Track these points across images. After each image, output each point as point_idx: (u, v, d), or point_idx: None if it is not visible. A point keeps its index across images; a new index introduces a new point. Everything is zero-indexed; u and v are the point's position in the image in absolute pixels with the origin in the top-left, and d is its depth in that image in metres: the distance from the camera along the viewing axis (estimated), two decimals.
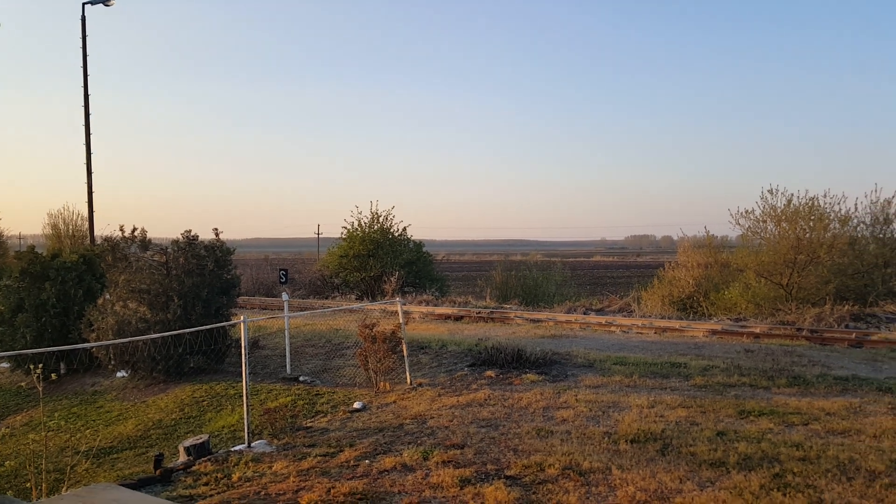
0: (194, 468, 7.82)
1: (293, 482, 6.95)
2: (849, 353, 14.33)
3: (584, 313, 23.30)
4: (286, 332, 14.70)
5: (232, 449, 8.65)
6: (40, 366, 7.58)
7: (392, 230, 35.53)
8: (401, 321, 12.57)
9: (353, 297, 32.56)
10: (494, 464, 7.22)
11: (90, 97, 25.04)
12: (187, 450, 8.25)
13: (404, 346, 12.29)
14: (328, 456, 7.92)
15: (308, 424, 9.80)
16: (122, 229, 15.51)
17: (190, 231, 15.43)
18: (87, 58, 25.12)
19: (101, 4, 25.00)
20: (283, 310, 15.10)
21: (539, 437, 8.21)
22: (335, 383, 13.07)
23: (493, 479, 6.73)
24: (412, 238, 36.42)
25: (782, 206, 24.51)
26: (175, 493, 7.00)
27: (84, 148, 24.80)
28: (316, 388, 12.60)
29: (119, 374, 15.50)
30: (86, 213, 25.96)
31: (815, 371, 12.12)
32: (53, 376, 11.46)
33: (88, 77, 25.08)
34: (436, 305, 26.59)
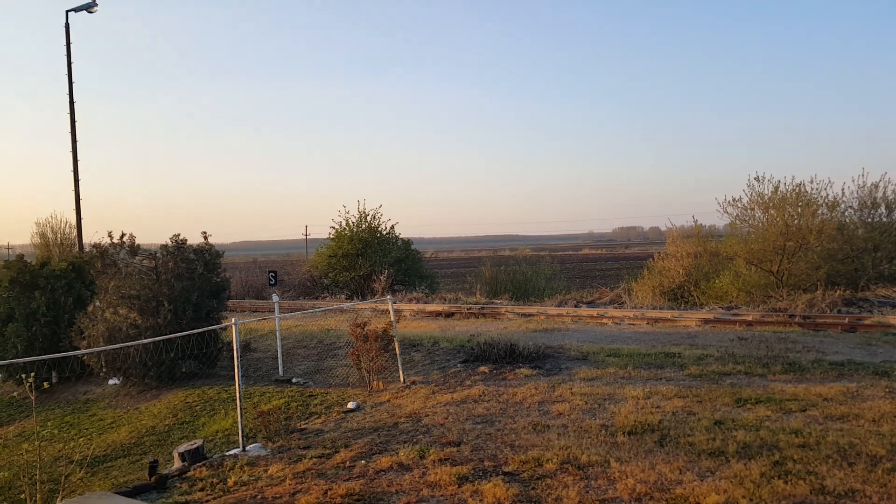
0: (189, 474, 7.75)
1: (289, 485, 6.89)
2: (843, 338, 14.35)
3: (576, 306, 23.26)
4: (277, 334, 14.63)
5: (227, 453, 8.58)
6: (32, 375, 7.49)
7: (380, 229, 35.47)
8: (392, 319, 12.51)
9: (343, 296, 32.46)
10: (492, 460, 7.18)
11: (76, 103, 24.81)
12: (182, 455, 8.17)
13: (396, 344, 12.23)
14: (324, 457, 7.86)
15: (302, 426, 9.73)
16: (110, 236, 15.39)
17: (178, 235, 15.33)
18: (72, 64, 24.88)
19: (84, 11, 24.79)
20: (273, 312, 15.00)
21: (535, 431, 8.17)
22: (328, 384, 13.00)
23: (491, 475, 6.68)
24: (400, 236, 36.39)
25: (769, 193, 24.52)
26: (171, 500, 6.93)
27: (71, 155, 24.57)
28: (309, 390, 12.52)
29: (111, 382, 15.39)
30: (74, 221, 25.68)
31: (810, 357, 12.13)
32: (45, 385, 11.28)
33: (73, 83, 24.84)
34: (426, 303, 26.52)
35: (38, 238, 39.48)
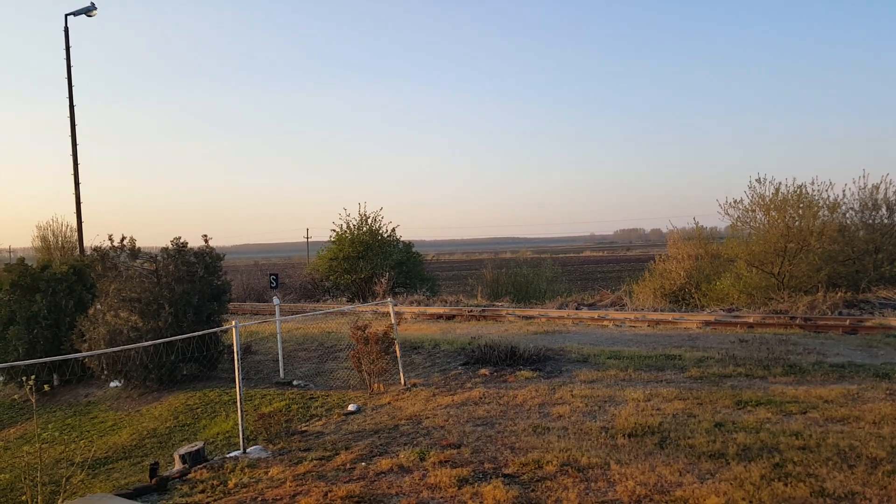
0: (190, 476, 7.75)
1: (290, 487, 6.89)
2: (844, 340, 14.34)
3: (577, 308, 23.25)
4: (278, 337, 14.63)
5: (227, 455, 8.58)
6: (33, 378, 7.51)
7: (381, 231, 35.47)
8: (393, 322, 12.51)
9: (344, 299, 32.50)
10: (492, 462, 7.18)
11: (76, 107, 24.86)
12: (182, 458, 8.18)
13: (397, 346, 12.23)
14: (324, 459, 7.86)
15: (303, 428, 9.73)
16: (111, 239, 15.42)
17: (179, 238, 15.35)
18: (72, 68, 24.95)
19: (83, 15, 24.86)
20: (274, 314, 15.01)
21: (536, 433, 8.17)
22: (329, 386, 13.01)
23: (490, 477, 6.68)
24: (401, 239, 36.40)
25: (770, 195, 24.55)
26: (171, 502, 6.94)
27: (71, 158, 24.63)
28: (310, 392, 12.52)
29: (112, 384, 15.41)
30: (74, 224, 25.76)
31: (811, 359, 12.12)
32: (47, 388, 11.39)
33: (73, 87, 24.90)
34: (427, 305, 26.52)
35: (39, 241, 39.55)
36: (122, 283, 14.68)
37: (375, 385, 11.83)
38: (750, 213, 25.27)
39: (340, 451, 8.15)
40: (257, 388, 13.18)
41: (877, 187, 24.14)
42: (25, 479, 7.04)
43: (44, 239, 39.32)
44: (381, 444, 8.31)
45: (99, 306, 15.20)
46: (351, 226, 35.52)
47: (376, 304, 19.56)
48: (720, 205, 25.82)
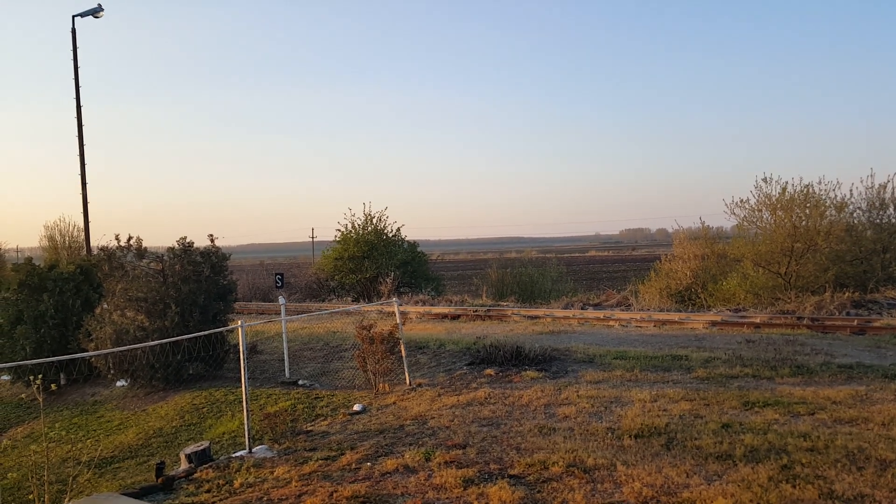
0: (196, 475, 7.76)
1: (295, 487, 6.88)
2: (851, 341, 14.28)
3: (582, 308, 23.22)
4: (284, 336, 14.63)
5: (233, 455, 8.58)
6: (40, 377, 7.52)
7: (386, 231, 35.51)
8: (398, 321, 12.51)
9: (350, 299, 32.50)
10: (497, 463, 7.16)
11: (83, 108, 24.91)
12: (188, 457, 8.18)
13: (402, 346, 12.22)
14: (329, 459, 7.86)
15: (308, 428, 9.73)
16: (117, 238, 15.45)
17: (185, 238, 15.38)
18: (79, 69, 25.00)
19: (91, 16, 24.90)
20: (279, 314, 15.01)
21: (541, 434, 8.15)
22: (334, 386, 13.01)
23: (496, 478, 6.66)
24: (406, 238, 36.40)
25: (777, 195, 24.44)
26: (177, 501, 6.94)
27: (78, 159, 24.68)
28: (315, 392, 12.52)
29: (119, 384, 15.44)
30: (81, 224, 25.86)
31: (819, 359, 12.07)
32: (53, 387, 11.41)
33: (80, 88, 24.95)
34: (432, 305, 26.50)
35: (46, 241, 39.85)
36: (128, 283, 14.71)
37: (381, 385, 11.82)
38: (756, 212, 25.17)
39: (346, 451, 8.15)
40: (263, 388, 13.18)
41: (884, 186, 24.03)
42: (33, 477, 7.04)
43: (51, 239, 39.60)
44: (386, 445, 8.30)
45: (105, 306, 15.23)
46: (356, 225, 35.58)
47: (381, 304, 19.56)
48: (726, 204, 25.73)
